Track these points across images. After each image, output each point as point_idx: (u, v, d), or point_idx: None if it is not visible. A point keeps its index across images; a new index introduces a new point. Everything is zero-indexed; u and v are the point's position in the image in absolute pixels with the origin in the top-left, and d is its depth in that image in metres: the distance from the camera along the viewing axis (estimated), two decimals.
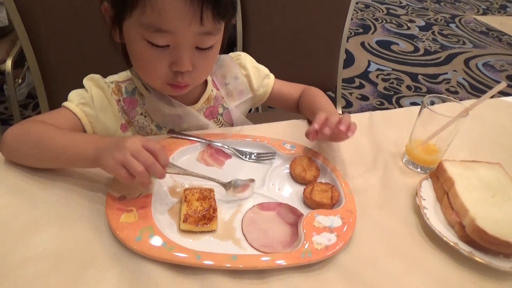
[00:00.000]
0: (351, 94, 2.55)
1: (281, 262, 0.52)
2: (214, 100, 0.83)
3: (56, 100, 1.08)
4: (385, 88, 2.63)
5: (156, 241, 0.52)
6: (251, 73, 0.86)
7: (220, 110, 0.84)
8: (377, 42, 3.26)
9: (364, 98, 2.51)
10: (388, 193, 0.69)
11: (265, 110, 1.47)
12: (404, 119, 0.90)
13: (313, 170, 0.68)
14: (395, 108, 2.42)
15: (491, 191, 0.64)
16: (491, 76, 2.92)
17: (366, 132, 0.84)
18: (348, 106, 2.42)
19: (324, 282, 0.53)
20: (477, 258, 0.56)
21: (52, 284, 0.48)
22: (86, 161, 0.58)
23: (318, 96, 0.86)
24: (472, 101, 0.72)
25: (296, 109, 0.91)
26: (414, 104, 2.46)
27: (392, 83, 2.71)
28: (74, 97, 0.71)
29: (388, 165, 0.75)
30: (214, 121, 0.83)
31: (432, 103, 0.73)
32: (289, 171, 0.70)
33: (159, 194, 0.61)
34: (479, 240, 0.57)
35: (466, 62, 3.09)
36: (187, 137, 0.71)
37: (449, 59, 3.12)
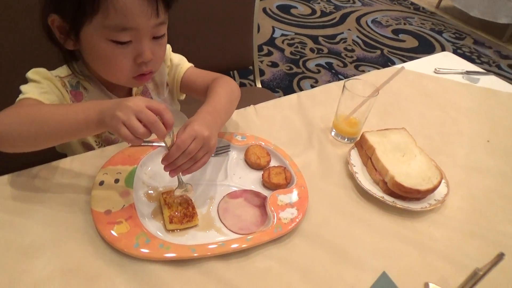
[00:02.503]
0: (261, 62, 2.68)
1: (260, 239, 0.64)
2: (141, 95, 0.88)
3: None
4: (291, 53, 2.81)
5: (153, 244, 0.60)
6: (170, 64, 0.90)
7: None
8: (278, 7, 3.40)
9: (274, 65, 2.67)
10: (325, 165, 0.84)
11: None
12: (324, 95, 1.05)
13: (265, 156, 0.79)
14: (303, 71, 2.63)
15: (401, 152, 0.82)
16: (379, 32, 3.28)
17: (297, 112, 0.98)
18: (261, 75, 2.55)
19: (293, 247, 0.66)
20: (398, 205, 0.74)
21: None
22: (90, 126, 0.59)
23: (217, 86, 0.80)
24: (377, 72, 0.89)
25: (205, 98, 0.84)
26: (318, 65, 2.69)
27: (297, 47, 2.90)
28: (31, 89, 0.70)
29: (321, 140, 0.90)
30: None
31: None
32: (244, 159, 0.80)
33: (138, 201, 0.68)
34: (398, 191, 0.75)
35: (358, 20, 3.41)
36: (148, 144, 0.77)
37: (343, 19, 3.40)
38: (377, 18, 3.50)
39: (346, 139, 0.91)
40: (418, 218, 0.75)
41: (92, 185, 0.68)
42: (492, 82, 1.24)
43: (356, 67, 2.75)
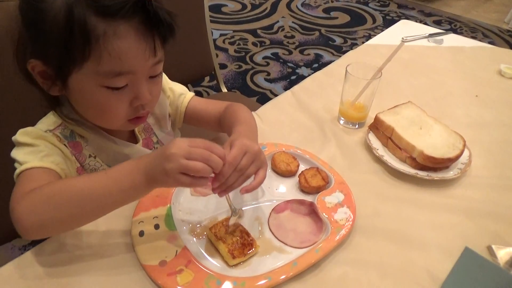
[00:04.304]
0: None
1: (328, 248, 0.61)
2: (144, 132, 0.81)
3: None
4: (235, 51, 2.78)
5: (227, 285, 0.55)
6: (170, 95, 0.84)
7: (154, 139, 0.82)
8: (209, 8, 3.34)
9: (223, 66, 2.61)
10: (348, 155, 0.83)
11: None
12: (316, 85, 1.04)
13: (293, 160, 0.76)
14: (252, 67, 2.61)
15: (417, 125, 0.83)
16: (311, 13, 3.34)
17: (299, 109, 0.96)
18: (211, 80, 2.50)
19: (357, 246, 0.64)
20: (435, 178, 0.75)
21: None
22: (139, 191, 0.55)
23: (237, 111, 0.77)
24: (356, 51, 0.88)
25: (217, 127, 0.82)
26: (266, 58, 2.69)
27: (239, 44, 2.87)
28: (28, 157, 0.61)
29: (334, 131, 0.88)
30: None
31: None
32: (272, 169, 0.77)
33: (188, 242, 0.62)
34: (430, 164, 0.76)
35: (288, 6, 3.45)
36: None
37: (274, 8, 3.42)
38: (305, 1, 3.56)
39: (356, 125, 0.90)
40: (453, 185, 0.77)
41: (131, 238, 0.61)
42: (453, 39, 1.31)
43: (301, 52, 2.78)
